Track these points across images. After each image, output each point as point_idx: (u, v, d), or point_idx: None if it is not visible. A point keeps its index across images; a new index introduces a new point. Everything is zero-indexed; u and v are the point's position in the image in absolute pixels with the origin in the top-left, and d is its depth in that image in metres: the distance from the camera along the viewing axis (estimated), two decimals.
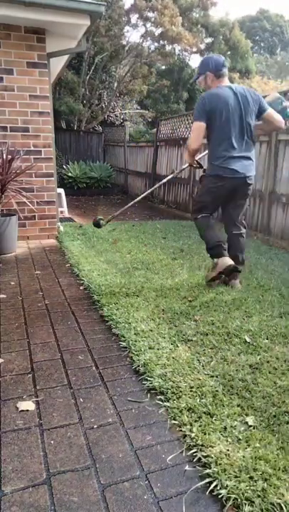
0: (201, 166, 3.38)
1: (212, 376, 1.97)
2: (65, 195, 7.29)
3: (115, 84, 13.85)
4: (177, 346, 2.27)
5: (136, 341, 2.29)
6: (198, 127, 2.99)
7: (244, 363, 2.09)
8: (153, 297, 3.00)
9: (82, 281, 3.44)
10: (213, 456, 1.44)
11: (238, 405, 1.75)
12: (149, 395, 1.86)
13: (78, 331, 2.56)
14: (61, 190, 6.84)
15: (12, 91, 4.65)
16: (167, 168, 8.48)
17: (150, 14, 12.40)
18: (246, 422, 1.64)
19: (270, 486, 1.32)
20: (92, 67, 12.99)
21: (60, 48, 4.87)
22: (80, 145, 12.58)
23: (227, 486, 1.32)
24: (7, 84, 4.61)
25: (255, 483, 1.33)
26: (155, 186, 4.43)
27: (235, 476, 1.36)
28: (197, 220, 3.26)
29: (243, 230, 3.28)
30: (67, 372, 2.06)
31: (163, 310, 2.77)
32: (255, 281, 3.44)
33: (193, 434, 1.56)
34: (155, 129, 9.50)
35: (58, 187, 5.86)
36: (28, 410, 1.74)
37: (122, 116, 14.97)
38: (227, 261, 3.00)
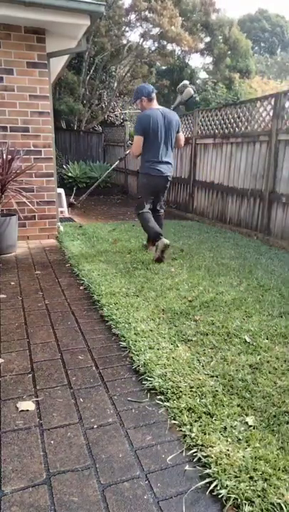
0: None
1: (212, 376, 1.97)
2: (65, 195, 7.29)
3: (115, 84, 13.86)
4: (177, 346, 2.27)
5: (136, 341, 2.29)
6: (138, 140, 3.99)
7: (244, 363, 2.09)
8: (153, 297, 3.00)
9: (82, 281, 3.44)
10: (213, 456, 1.44)
11: (238, 405, 1.75)
12: (149, 395, 1.86)
13: (78, 331, 2.56)
14: (61, 190, 6.84)
15: (12, 91, 4.65)
16: None
17: (149, 14, 12.39)
18: (246, 422, 1.64)
19: (270, 486, 1.32)
20: (92, 67, 13.00)
21: (60, 47, 4.87)
22: (80, 145, 12.57)
23: (227, 486, 1.32)
24: (7, 84, 4.61)
25: (255, 483, 1.33)
26: (106, 173, 5.01)
27: (235, 476, 1.36)
28: (140, 215, 4.22)
29: (162, 211, 4.46)
30: (67, 372, 2.06)
31: (163, 310, 2.77)
32: (255, 281, 3.44)
33: (193, 434, 1.56)
34: None
35: (58, 187, 5.86)
36: (28, 410, 1.74)
37: (122, 116, 14.96)
38: (164, 241, 3.92)
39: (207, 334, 2.42)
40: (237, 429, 1.59)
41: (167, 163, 4.09)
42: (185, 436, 1.57)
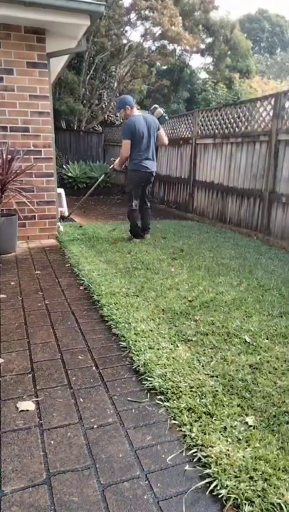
0: (123, 171, 5.14)
1: (212, 376, 1.97)
2: (65, 195, 7.28)
3: (115, 84, 13.85)
4: (177, 346, 2.27)
5: (136, 341, 2.29)
6: (127, 143, 4.63)
7: (244, 363, 2.09)
8: (153, 297, 3.00)
9: (82, 281, 3.44)
10: (213, 456, 1.44)
11: (238, 405, 1.75)
12: (149, 395, 1.86)
13: (78, 331, 2.56)
14: (61, 190, 6.83)
15: (12, 91, 4.65)
16: (167, 168, 8.48)
17: (150, 13, 12.38)
18: (246, 422, 1.64)
19: (270, 486, 1.32)
20: (93, 67, 12.99)
21: (60, 48, 4.87)
22: (80, 145, 12.57)
23: (227, 486, 1.32)
24: (7, 84, 4.60)
25: (255, 483, 1.33)
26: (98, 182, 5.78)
27: (235, 476, 1.36)
28: (131, 211, 4.90)
29: (149, 205, 5.08)
30: (67, 372, 2.06)
31: (163, 310, 2.77)
32: (255, 281, 3.44)
33: (193, 434, 1.56)
34: None
35: (58, 187, 5.86)
36: (28, 410, 1.74)
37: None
38: (136, 241, 4.82)
39: (207, 334, 2.42)
40: (237, 429, 1.59)
41: (152, 159, 4.77)
42: (185, 436, 1.57)
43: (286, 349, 2.27)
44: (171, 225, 6.21)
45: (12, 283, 3.47)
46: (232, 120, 6.03)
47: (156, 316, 2.67)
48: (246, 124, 5.72)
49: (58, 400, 1.83)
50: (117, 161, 5.07)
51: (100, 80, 13.60)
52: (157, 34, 12.73)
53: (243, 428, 1.60)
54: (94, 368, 2.11)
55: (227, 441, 1.53)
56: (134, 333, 2.40)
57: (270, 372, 2.02)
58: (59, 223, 5.37)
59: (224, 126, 6.25)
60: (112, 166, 5.21)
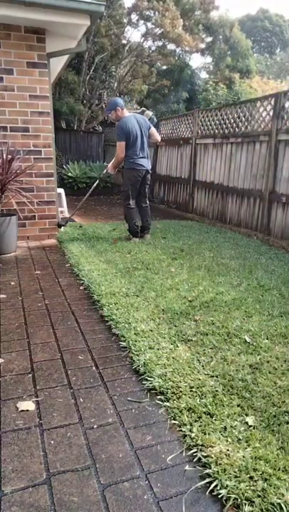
0: (119, 170, 5.27)
1: (212, 376, 1.97)
2: (65, 195, 7.28)
3: (115, 84, 13.84)
4: (177, 346, 2.27)
5: (136, 341, 2.29)
6: (122, 145, 4.70)
7: (244, 363, 2.09)
8: (153, 297, 3.00)
9: (82, 281, 3.44)
10: (213, 456, 1.44)
11: (238, 405, 1.75)
12: (149, 394, 1.86)
13: (78, 331, 2.56)
14: (61, 190, 6.83)
15: (12, 91, 4.65)
16: (167, 168, 8.48)
17: (151, 14, 12.38)
18: (246, 422, 1.64)
19: (270, 486, 1.32)
20: (93, 67, 12.98)
21: (60, 48, 4.87)
22: (80, 145, 12.56)
23: (227, 486, 1.32)
24: (7, 84, 4.61)
25: (255, 483, 1.33)
26: (93, 186, 5.60)
27: (235, 476, 1.36)
28: (128, 210, 4.92)
29: (148, 204, 5.12)
30: (67, 372, 2.06)
31: (163, 310, 2.77)
32: (255, 281, 3.44)
33: (193, 434, 1.56)
34: None
35: (58, 187, 5.86)
36: (28, 410, 1.74)
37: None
38: (136, 241, 4.86)
39: (207, 334, 2.42)
40: (237, 429, 1.59)
41: (146, 157, 4.87)
42: (185, 436, 1.57)
43: (286, 349, 2.27)
44: (171, 225, 6.21)
45: (12, 283, 3.47)
46: (232, 120, 6.03)
47: (156, 316, 2.67)
48: (246, 124, 5.72)
49: (58, 399, 1.83)
50: (110, 164, 5.07)
51: (100, 80, 13.60)
52: (158, 34, 12.72)
53: (243, 428, 1.60)
54: (94, 367, 2.11)
55: (227, 441, 1.53)
56: (134, 333, 2.40)
57: (270, 372, 2.02)
58: (62, 229, 5.34)
59: (224, 126, 6.25)
60: (105, 170, 5.25)
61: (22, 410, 1.74)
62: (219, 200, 6.46)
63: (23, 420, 1.68)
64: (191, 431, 1.58)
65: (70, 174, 10.90)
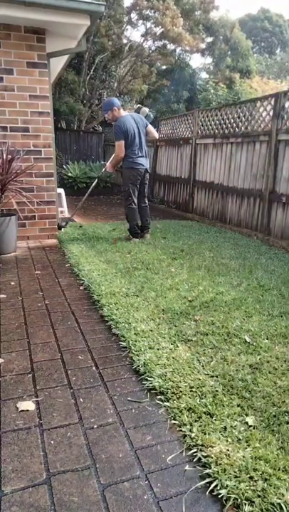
0: (118, 169, 5.39)
1: (212, 376, 1.97)
2: (65, 195, 7.28)
3: (115, 84, 13.84)
4: (177, 346, 2.27)
5: (136, 341, 2.29)
6: (121, 144, 4.69)
7: (244, 363, 2.09)
8: (153, 297, 3.00)
9: (82, 281, 3.44)
10: (213, 456, 1.44)
11: (238, 405, 1.75)
12: (149, 394, 1.86)
13: (78, 331, 2.56)
14: (61, 190, 6.84)
15: (12, 91, 4.65)
16: (167, 168, 8.48)
17: (151, 14, 12.37)
18: (246, 422, 1.64)
19: (270, 486, 1.32)
20: (93, 67, 12.99)
21: (60, 48, 4.87)
22: (80, 145, 12.56)
23: (227, 486, 1.32)
24: (7, 84, 4.61)
25: (255, 483, 1.33)
26: (92, 186, 5.63)
27: (235, 476, 1.36)
28: (130, 210, 4.93)
29: (147, 203, 5.16)
30: (67, 372, 2.06)
31: (163, 310, 2.77)
32: (255, 281, 3.44)
33: (193, 434, 1.56)
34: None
35: (58, 187, 5.86)
36: (28, 410, 1.74)
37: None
38: (136, 241, 4.87)
39: (207, 334, 2.42)
40: (237, 429, 1.59)
41: (144, 156, 4.89)
42: (185, 436, 1.57)
43: (286, 349, 2.27)
44: (171, 225, 6.21)
45: (12, 283, 3.47)
46: (232, 120, 6.03)
47: (156, 316, 2.67)
48: (246, 124, 5.72)
49: (58, 399, 1.83)
50: (108, 163, 5.04)
51: (100, 80, 13.60)
52: (158, 33, 12.72)
53: (243, 428, 1.60)
54: (94, 367, 2.11)
55: (227, 441, 1.53)
56: (134, 333, 2.40)
57: (270, 372, 2.02)
58: (62, 230, 5.35)
59: (224, 126, 6.25)
60: (104, 169, 5.24)
61: (22, 410, 1.74)
62: (219, 200, 6.46)
63: (23, 420, 1.68)
64: (191, 431, 1.58)
65: (70, 174, 10.90)
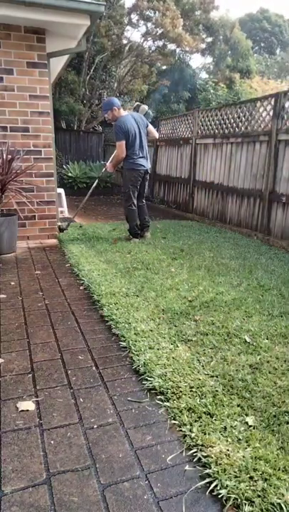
0: (118, 170, 5.30)
1: (212, 376, 1.97)
2: (65, 195, 7.28)
3: (115, 84, 13.84)
4: (177, 346, 2.27)
5: (136, 341, 2.29)
6: (122, 144, 4.64)
7: (244, 363, 2.09)
8: (153, 297, 3.00)
9: (82, 281, 3.44)
10: (213, 456, 1.44)
11: (238, 405, 1.75)
12: (149, 394, 1.86)
13: (78, 331, 2.56)
14: (61, 190, 6.84)
15: (12, 91, 4.65)
16: (167, 168, 8.48)
17: (151, 14, 12.38)
18: (246, 422, 1.64)
19: (270, 486, 1.32)
20: (93, 67, 12.99)
21: (60, 48, 4.87)
22: (80, 145, 12.56)
23: (227, 486, 1.32)
24: (7, 84, 4.61)
25: (255, 483, 1.33)
26: (93, 186, 5.54)
27: (235, 476, 1.36)
28: (130, 211, 4.90)
29: (144, 202, 5.12)
30: (67, 372, 2.06)
31: (163, 310, 2.77)
32: (255, 281, 3.44)
33: (193, 434, 1.56)
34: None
35: (58, 187, 5.86)
36: (28, 410, 1.74)
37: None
38: (136, 241, 4.87)
39: (207, 334, 2.42)
40: (237, 429, 1.59)
41: (145, 157, 4.85)
42: (185, 436, 1.57)
43: (286, 349, 2.27)
44: (171, 225, 6.21)
45: (12, 283, 3.47)
46: (232, 120, 6.03)
47: (156, 316, 2.67)
48: (246, 124, 5.72)
49: (58, 399, 1.83)
50: (109, 163, 4.99)
51: (100, 80, 13.60)
52: (158, 34, 12.72)
53: (243, 428, 1.60)
54: (94, 367, 2.11)
55: (227, 441, 1.53)
56: (134, 333, 2.40)
57: (270, 372, 2.02)
58: (59, 223, 5.36)
59: (224, 126, 6.25)
60: (104, 169, 5.19)
61: (22, 410, 1.74)
62: (219, 200, 6.46)
63: (23, 420, 1.68)
64: (191, 431, 1.58)
65: (70, 174, 10.90)
